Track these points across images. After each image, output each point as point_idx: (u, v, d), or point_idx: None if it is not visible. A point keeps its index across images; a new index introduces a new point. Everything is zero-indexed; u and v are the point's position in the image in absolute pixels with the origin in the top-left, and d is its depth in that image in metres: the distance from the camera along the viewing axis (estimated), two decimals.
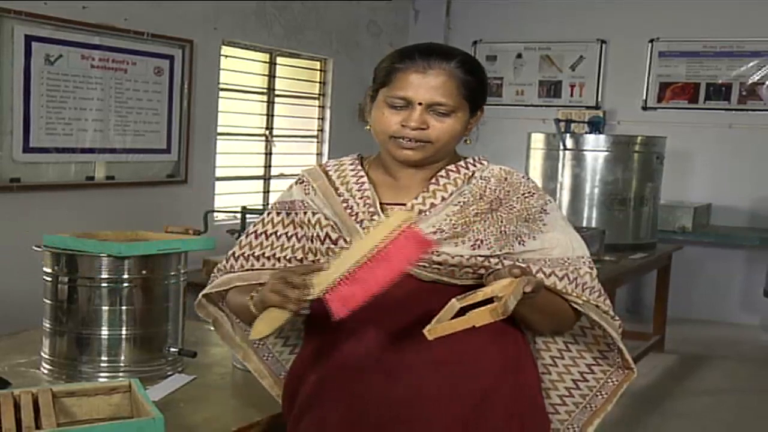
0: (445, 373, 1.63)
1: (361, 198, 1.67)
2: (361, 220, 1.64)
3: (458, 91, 1.63)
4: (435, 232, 1.61)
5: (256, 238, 1.79)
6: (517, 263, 1.61)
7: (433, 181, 1.68)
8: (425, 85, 1.62)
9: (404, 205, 1.66)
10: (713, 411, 4.80)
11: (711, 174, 6.95)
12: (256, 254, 1.77)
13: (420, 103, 1.62)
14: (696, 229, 6.47)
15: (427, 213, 1.64)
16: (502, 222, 1.65)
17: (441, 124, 1.64)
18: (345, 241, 1.64)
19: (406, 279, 1.56)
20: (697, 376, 5.51)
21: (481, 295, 1.51)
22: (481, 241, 1.62)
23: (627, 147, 5.62)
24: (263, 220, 1.80)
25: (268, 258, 1.75)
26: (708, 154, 6.92)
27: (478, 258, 1.62)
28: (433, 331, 1.47)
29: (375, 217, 1.64)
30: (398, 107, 1.64)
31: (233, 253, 1.82)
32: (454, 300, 1.50)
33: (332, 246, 1.65)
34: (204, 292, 1.86)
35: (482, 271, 1.61)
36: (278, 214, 1.78)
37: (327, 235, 1.66)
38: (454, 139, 1.68)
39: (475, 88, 1.67)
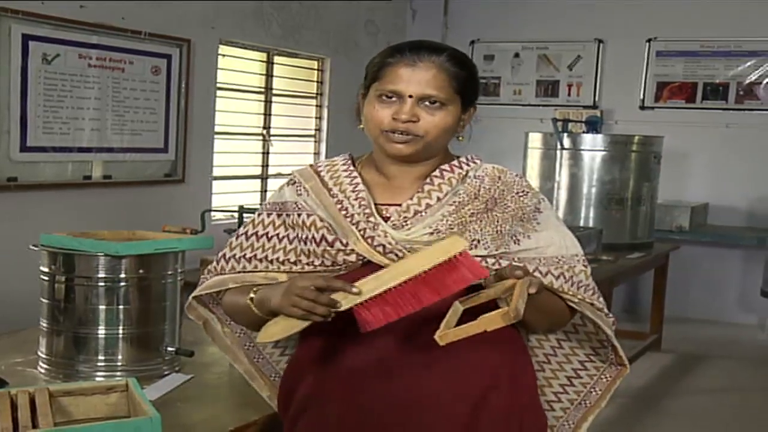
0: (444, 374, 1.63)
1: (356, 199, 1.66)
2: (357, 222, 1.63)
3: (449, 84, 1.63)
4: (432, 233, 1.60)
5: (247, 239, 1.77)
6: (515, 263, 1.61)
7: (428, 180, 1.68)
8: (415, 77, 1.62)
9: (399, 205, 1.66)
10: (710, 410, 4.81)
11: (708, 173, 6.95)
12: (247, 256, 1.76)
13: (410, 96, 1.62)
14: (693, 228, 6.47)
15: (423, 213, 1.64)
16: (498, 221, 1.65)
17: (432, 117, 1.63)
18: (341, 243, 1.63)
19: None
20: (694, 375, 5.51)
21: (484, 296, 1.51)
22: (478, 241, 1.62)
23: (624, 146, 5.62)
24: (254, 221, 1.78)
25: (261, 260, 1.74)
26: (705, 153, 6.93)
27: (476, 258, 1.61)
28: (444, 337, 1.46)
29: (371, 219, 1.63)
30: (389, 101, 1.64)
31: (224, 255, 1.80)
32: (457, 303, 1.50)
33: (328, 248, 1.64)
34: (195, 294, 1.84)
35: None
36: (269, 215, 1.76)
37: (323, 237, 1.65)
38: (445, 134, 1.67)
39: (465, 82, 1.67)
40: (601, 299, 1.75)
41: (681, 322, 6.59)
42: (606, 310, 1.75)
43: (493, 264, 1.62)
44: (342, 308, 1.49)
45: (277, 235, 1.73)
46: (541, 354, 1.84)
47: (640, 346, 5.60)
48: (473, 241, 1.62)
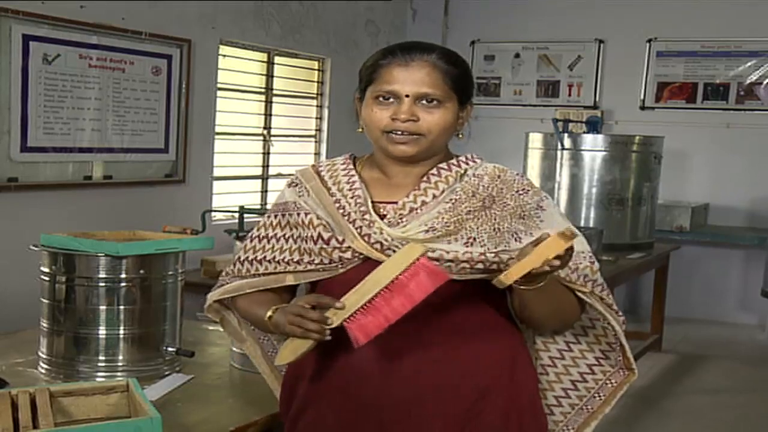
0: (442, 372, 1.63)
1: (352, 197, 1.68)
2: (353, 220, 1.65)
3: (444, 82, 1.65)
4: (427, 230, 1.61)
5: (260, 241, 1.80)
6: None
7: (425, 179, 1.68)
8: (410, 77, 1.63)
9: (396, 203, 1.67)
10: (711, 410, 4.80)
11: (709, 174, 6.95)
12: (258, 258, 1.78)
13: (407, 96, 1.63)
14: (694, 228, 6.47)
15: (418, 211, 1.65)
16: (495, 219, 1.64)
17: (431, 116, 1.65)
18: (337, 240, 1.65)
19: None
20: (695, 375, 5.51)
21: (528, 263, 1.47)
22: (474, 239, 1.62)
23: (625, 147, 5.62)
24: (264, 223, 1.81)
25: (270, 261, 1.76)
26: (706, 153, 6.93)
27: (474, 254, 1.61)
28: (507, 277, 1.46)
29: (366, 216, 1.65)
30: (386, 102, 1.65)
31: (239, 258, 1.84)
32: (500, 278, 1.48)
33: (324, 246, 1.66)
34: (216, 298, 1.88)
35: (479, 266, 1.61)
36: (275, 216, 1.79)
37: (319, 235, 1.67)
38: (446, 132, 1.68)
39: (460, 78, 1.68)
40: (611, 297, 1.73)
41: (681, 322, 6.59)
42: (615, 308, 1.73)
43: (493, 257, 1.61)
44: (334, 324, 1.53)
45: (284, 235, 1.76)
46: (546, 357, 1.82)
47: (640, 346, 5.60)
48: (469, 238, 1.62)
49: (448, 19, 7.67)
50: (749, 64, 6.82)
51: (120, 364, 2.14)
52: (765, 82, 6.80)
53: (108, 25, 4.86)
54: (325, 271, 1.68)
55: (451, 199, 1.65)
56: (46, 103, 4.59)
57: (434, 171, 1.69)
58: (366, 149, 1.81)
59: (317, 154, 6.87)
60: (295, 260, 1.72)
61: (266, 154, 6.38)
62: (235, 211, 4.44)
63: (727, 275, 6.94)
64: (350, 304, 1.54)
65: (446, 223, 1.62)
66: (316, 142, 6.90)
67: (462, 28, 7.58)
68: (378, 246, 1.62)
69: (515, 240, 1.65)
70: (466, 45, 7.48)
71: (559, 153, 5.63)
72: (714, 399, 5.06)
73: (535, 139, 5.87)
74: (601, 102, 7.28)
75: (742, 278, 6.91)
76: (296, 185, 1.77)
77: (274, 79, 6.36)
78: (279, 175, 6.46)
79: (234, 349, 2.32)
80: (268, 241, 1.78)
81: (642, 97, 7.14)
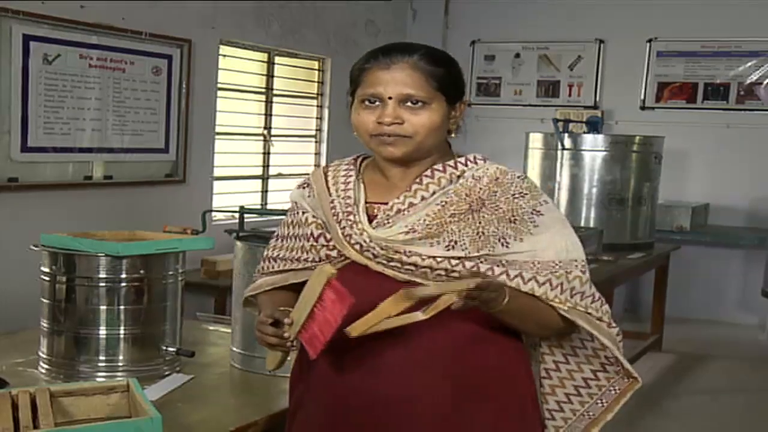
0: (427, 373, 1.63)
1: (344, 198, 1.69)
2: (340, 220, 1.67)
3: (427, 83, 1.63)
4: (407, 232, 1.61)
5: (278, 240, 1.85)
6: (474, 270, 1.58)
7: (417, 180, 1.68)
8: (391, 79, 1.63)
9: (386, 204, 1.67)
10: (711, 411, 4.81)
11: (709, 174, 6.95)
12: (274, 256, 1.83)
13: (390, 98, 1.63)
14: (694, 228, 6.47)
15: (405, 212, 1.64)
16: (480, 223, 1.62)
17: (416, 118, 1.63)
18: (325, 239, 1.68)
19: (383, 280, 1.60)
20: (695, 375, 5.52)
21: (442, 303, 1.49)
22: (456, 242, 1.60)
23: (625, 147, 5.62)
24: (283, 222, 1.86)
25: (281, 260, 1.80)
26: (706, 153, 6.93)
27: (452, 261, 1.60)
28: (353, 329, 1.51)
29: (351, 217, 1.66)
30: (372, 105, 1.65)
31: (263, 256, 1.89)
32: (418, 313, 1.51)
33: (314, 244, 1.70)
34: (246, 294, 1.94)
35: (455, 274, 1.59)
36: (289, 216, 1.84)
37: (311, 233, 1.71)
38: (434, 132, 1.66)
39: (444, 78, 1.66)
40: (604, 308, 1.70)
41: (682, 322, 6.58)
42: (607, 319, 1.69)
43: (473, 267, 1.60)
44: (291, 338, 1.58)
45: (294, 234, 1.79)
46: (551, 361, 1.79)
47: (640, 346, 5.60)
48: (451, 241, 1.60)
49: (448, 19, 7.67)
50: (749, 64, 6.82)
51: (120, 364, 2.14)
52: (765, 82, 6.80)
53: (108, 25, 4.86)
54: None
55: (441, 202, 1.64)
56: (46, 103, 4.59)
57: (428, 172, 1.68)
58: (365, 149, 1.81)
59: (317, 154, 6.87)
60: (296, 257, 1.76)
61: (266, 154, 6.38)
62: (236, 211, 4.42)
63: (727, 275, 6.94)
64: (296, 319, 1.58)
65: (428, 225, 1.61)
66: (316, 142, 6.90)
67: (462, 28, 7.58)
68: (357, 247, 1.63)
69: (502, 245, 1.62)
70: (466, 45, 7.48)
71: (559, 153, 5.63)
72: (714, 399, 5.06)
73: (536, 139, 5.87)
74: (602, 102, 7.28)
75: (742, 278, 6.91)
76: (306, 186, 1.80)
77: (274, 79, 6.36)
78: (279, 175, 6.46)
79: (234, 349, 2.33)
80: (284, 240, 1.82)
81: (642, 97, 7.14)
